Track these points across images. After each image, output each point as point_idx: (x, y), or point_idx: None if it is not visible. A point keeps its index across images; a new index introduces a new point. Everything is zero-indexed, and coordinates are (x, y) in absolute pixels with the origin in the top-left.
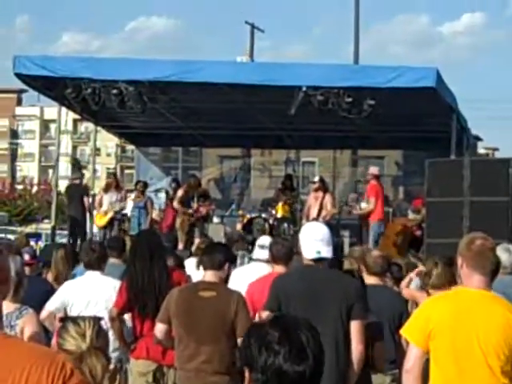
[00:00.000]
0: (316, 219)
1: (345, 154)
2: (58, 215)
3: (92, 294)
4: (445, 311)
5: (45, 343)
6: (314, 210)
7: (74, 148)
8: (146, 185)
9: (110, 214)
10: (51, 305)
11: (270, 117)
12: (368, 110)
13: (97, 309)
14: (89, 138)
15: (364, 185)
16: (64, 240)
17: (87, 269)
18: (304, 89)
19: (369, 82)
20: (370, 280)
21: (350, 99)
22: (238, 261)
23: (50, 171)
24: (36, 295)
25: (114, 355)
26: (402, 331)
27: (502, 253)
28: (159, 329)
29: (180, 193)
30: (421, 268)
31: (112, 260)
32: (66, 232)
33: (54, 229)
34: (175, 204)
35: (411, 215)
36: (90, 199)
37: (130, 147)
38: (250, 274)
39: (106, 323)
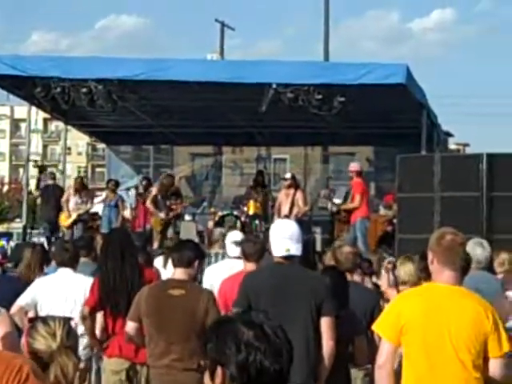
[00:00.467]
0: (287, 216)
1: (316, 150)
2: (29, 214)
3: (64, 290)
4: (416, 306)
5: (18, 343)
6: (286, 207)
7: (45, 147)
8: (117, 183)
9: (74, 216)
10: (22, 300)
11: (241, 114)
12: (338, 107)
13: (68, 306)
14: (59, 137)
15: (347, 181)
16: (35, 239)
17: (59, 266)
18: (274, 86)
19: (339, 79)
20: None
21: (320, 96)
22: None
23: (21, 170)
24: (7, 294)
25: (83, 353)
26: (373, 327)
27: (475, 247)
28: (130, 327)
29: (154, 191)
30: (389, 261)
31: (82, 259)
32: (36, 231)
33: (25, 228)
34: (148, 203)
35: (382, 211)
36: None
37: (100, 146)
38: (224, 271)
39: (75, 322)
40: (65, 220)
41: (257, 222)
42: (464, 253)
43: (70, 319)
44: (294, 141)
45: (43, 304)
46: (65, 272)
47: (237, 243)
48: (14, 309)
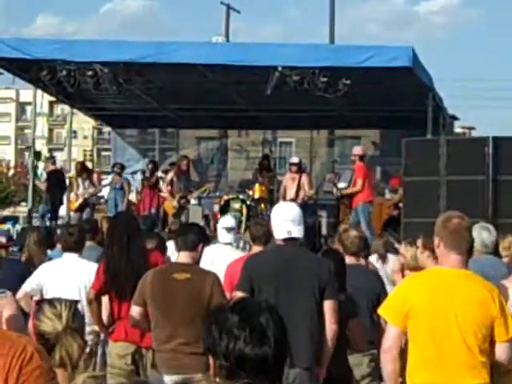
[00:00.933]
0: (294, 200)
1: (321, 134)
2: (34, 198)
3: (69, 276)
4: (422, 290)
5: (23, 326)
6: (292, 191)
7: (50, 131)
8: (123, 167)
9: (80, 200)
10: (27, 285)
11: (246, 97)
12: (344, 90)
13: (74, 291)
14: (65, 121)
15: (352, 165)
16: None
17: (65, 251)
18: (279, 69)
19: (344, 62)
20: (347, 260)
21: (325, 79)
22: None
23: (27, 154)
24: (12, 278)
25: (89, 338)
26: (379, 311)
27: (482, 231)
28: (135, 311)
29: (170, 176)
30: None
31: (88, 243)
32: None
33: (30, 212)
34: (163, 187)
35: (388, 195)
36: (67, 181)
37: (106, 129)
38: (205, 260)
39: (82, 306)
40: (73, 203)
41: (262, 205)
42: (470, 236)
43: (76, 302)
44: (299, 124)
45: (48, 289)
46: (70, 257)
47: (228, 229)
48: (19, 294)
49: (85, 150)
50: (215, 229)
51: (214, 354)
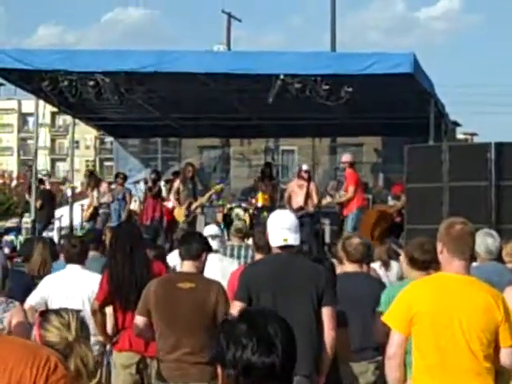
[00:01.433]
0: (302, 208)
1: (324, 141)
2: (37, 209)
3: (72, 287)
4: (426, 296)
5: (30, 334)
6: (299, 198)
7: (53, 141)
8: (125, 177)
9: (91, 210)
10: (32, 299)
11: (248, 106)
12: (346, 97)
13: (77, 302)
14: (67, 131)
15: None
16: (44, 234)
17: (68, 263)
18: (281, 77)
19: (346, 69)
20: (350, 267)
21: (327, 87)
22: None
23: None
24: (17, 289)
25: (95, 348)
26: (383, 318)
27: (486, 237)
28: (139, 321)
29: (176, 184)
30: None
31: (91, 253)
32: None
33: (33, 223)
34: (171, 196)
35: (391, 201)
36: (70, 192)
37: (108, 139)
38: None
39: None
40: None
41: (265, 213)
42: (473, 242)
43: (80, 311)
44: (301, 132)
45: (53, 302)
46: (73, 269)
47: (212, 237)
48: (25, 307)
49: (87, 161)
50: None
51: (222, 363)
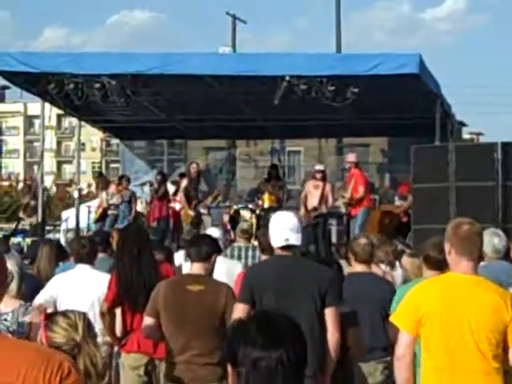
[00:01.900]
0: (317, 208)
1: (330, 142)
2: (44, 211)
3: (82, 287)
4: (434, 297)
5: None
6: (315, 199)
7: (59, 143)
8: (129, 179)
9: (100, 211)
10: (41, 297)
11: (254, 107)
12: (351, 98)
13: (86, 302)
14: (73, 133)
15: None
16: (50, 236)
17: (78, 263)
18: (287, 78)
19: (352, 70)
20: (358, 268)
21: (333, 88)
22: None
23: (36, 167)
24: (26, 291)
25: (103, 349)
26: (391, 318)
27: (492, 237)
28: (148, 322)
29: (184, 183)
30: None
31: (100, 255)
32: (52, 227)
33: (41, 224)
34: (180, 196)
35: (398, 202)
36: (76, 193)
37: (114, 141)
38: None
39: (94, 317)
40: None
41: (272, 214)
42: (481, 242)
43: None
44: (307, 133)
45: (62, 301)
46: (83, 268)
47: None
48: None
49: (93, 162)
50: (225, 239)
51: (233, 362)
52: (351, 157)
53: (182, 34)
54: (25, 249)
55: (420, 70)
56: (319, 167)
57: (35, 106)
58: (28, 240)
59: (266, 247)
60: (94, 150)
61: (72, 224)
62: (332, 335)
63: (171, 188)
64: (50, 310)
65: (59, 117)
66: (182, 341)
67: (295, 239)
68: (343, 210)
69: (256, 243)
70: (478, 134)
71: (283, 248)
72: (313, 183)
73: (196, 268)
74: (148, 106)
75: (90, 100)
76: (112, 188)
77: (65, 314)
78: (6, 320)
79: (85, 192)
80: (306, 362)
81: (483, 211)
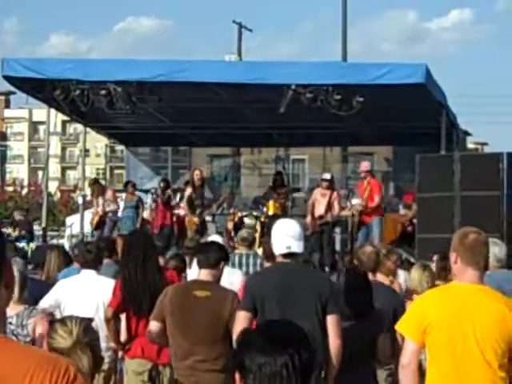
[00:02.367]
0: (322, 217)
1: (334, 150)
2: (48, 217)
3: (87, 292)
4: (440, 306)
5: None
6: (322, 207)
7: (63, 149)
8: (134, 185)
9: (97, 218)
10: (45, 302)
11: (260, 115)
12: (357, 107)
13: (91, 308)
14: (78, 139)
15: (359, 181)
16: (54, 241)
17: (83, 268)
18: (293, 87)
19: (358, 79)
20: None
21: (338, 96)
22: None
23: (40, 172)
24: (32, 296)
25: (107, 355)
26: (397, 326)
27: (492, 246)
28: (153, 327)
29: (188, 191)
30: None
31: (105, 260)
32: (56, 233)
33: (44, 230)
34: (182, 204)
35: (402, 211)
36: (81, 200)
37: (119, 147)
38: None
39: (99, 322)
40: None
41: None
42: (487, 252)
43: (90, 320)
44: (312, 141)
45: (66, 306)
46: (88, 274)
47: None
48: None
49: (98, 169)
50: (229, 246)
51: (240, 368)
52: (366, 165)
53: (188, 41)
54: (29, 254)
55: (426, 79)
56: (325, 176)
57: (40, 112)
58: (32, 245)
59: (270, 255)
60: (98, 156)
61: (76, 230)
62: (333, 342)
63: (176, 195)
64: (57, 314)
65: (64, 123)
66: (187, 346)
67: (297, 247)
68: (355, 217)
69: (258, 250)
70: (483, 143)
71: (285, 255)
72: (320, 191)
73: (204, 274)
74: (153, 113)
75: (96, 106)
76: (108, 194)
77: (63, 321)
78: (10, 323)
79: (89, 198)
80: (312, 368)
81: (488, 221)
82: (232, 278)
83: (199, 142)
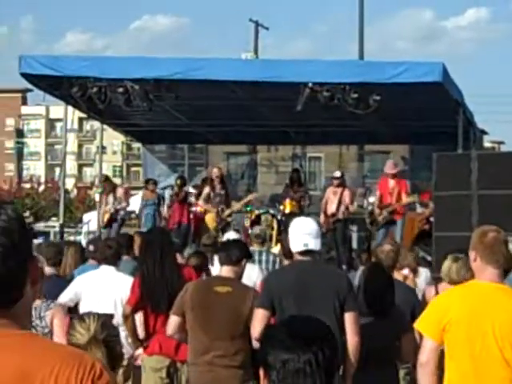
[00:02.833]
0: (334, 215)
1: (351, 149)
2: (65, 213)
3: (106, 288)
4: (460, 304)
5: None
6: (333, 205)
7: (80, 146)
8: (155, 183)
9: (107, 216)
10: (64, 297)
11: (277, 113)
12: (374, 106)
13: (109, 303)
14: (94, 137)
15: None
16: (71, 238)
17: (102, 264)
18: (310, 85)
19: (375, 78)
20: None
21: (355, 95)
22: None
23: (57, 169)
24: (52, 291)
25: (126, 351)
26: (415, 325)
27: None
28: (173, 321)
29: (207, 190)
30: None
31: (124, 257)
32: (73, 230)
33: (62, 227)
34: (200, 202)
35: (419, 209)
36: (98, 196)
37: (135, 145)
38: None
39: (118, 319)
40: (102, 221)
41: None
42: (507, 250)
43: (111, 316)
44: (329, 139)
45: (84, 301)
46: (107, 269)
47: None
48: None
49: (114, 166)
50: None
51: (265, 365)
52: (394, 165)
53: (204, 39)
54: None
55: (443, 78)
56: (336, 174)
57: (57, 109)
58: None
59: (288, 252)
60: (115, 153)
61: (93, 227)
62: (351, 340)
63: (193, 192)
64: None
65: (81, 120)
66: (207, 341)
67: (314, 244)
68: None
69: (275, 248)
70: (500, 142)
71: (302, 253)
72: (332, 190)
73: (225, 271)
74: (170, 111)
75: (113, 104)
76: (119, 192)
77: (82, 317)
78: None
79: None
80: (335, 365)
81: (505, 219)
82: (251, 273)
83: (216, 140)
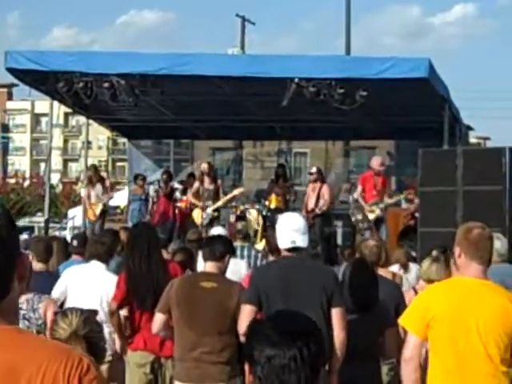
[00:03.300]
0: (313, 210)
1: (337, 144)
2: (50, 209)
3: (92, 284)
4: (444, 300)
5: None
6: (312, 201)
7: (65, 141)
8: (144, 178)
9: (100, 208)
10: (56, 292)
11: (262, 108)
12: (360, 101)
13: (95, 299)
14: (80, 132)
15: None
16: (56, 233)
17: (92, 259)
18: (296, 80)
19: (361, 73)
20: None
21: (342, 90)
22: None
23: (42, 164)
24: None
25: (109, 347)
26: (400, 320)
27: (494, 241)
28: (158, 319)
29: (196, 184)
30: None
31: None
32: (58, 225)
33: (47, 222)
34: (189, 196)
35: (404, 205)
36: (83, 192)
37: (121, 140)
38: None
39: (103, 315)
40: (91, 214)
41: (279, 216)
42: (491, 247)
43: (94, 312)
44: (315, 135)
45: (71, 296)
46: (97, 266)
47: None
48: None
49: (100, 161)
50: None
51: (250, 361)
52: (383, 164)
53: (191, 34)
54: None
55: (429, 74)
56: (311, 169)
57: (43, 104)
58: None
59: (274, 248)
60: (100, 148)
61: (78, 222)
62: (338, 335)
63: (179, 187)
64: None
65: (66, 115)
66: (194, 337)
67: (302, 241)
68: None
69: (261, 243)
70: (485, 138)
71: (290, 250)
72: (311, 186)
73: (209, 267)
74: (156, 106)
75: (99, 99)
76: (107, 183)
77: (65, 312)
78: (21, 308)
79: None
80: (321, 361)
81: (490, 215)
82: (235, 268)
83: (201, 135)
